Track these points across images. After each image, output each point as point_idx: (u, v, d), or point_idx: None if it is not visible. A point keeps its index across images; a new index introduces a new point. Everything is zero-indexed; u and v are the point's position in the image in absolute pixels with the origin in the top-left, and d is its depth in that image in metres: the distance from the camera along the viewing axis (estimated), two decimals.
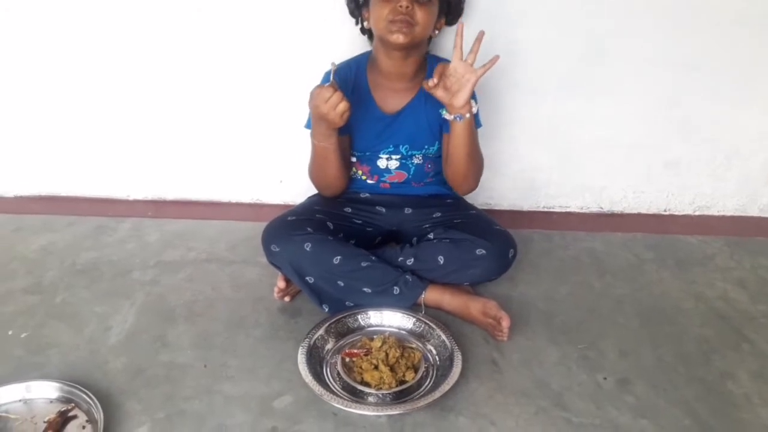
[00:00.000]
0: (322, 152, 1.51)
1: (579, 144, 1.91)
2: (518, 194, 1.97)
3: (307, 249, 1.44)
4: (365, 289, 1.47)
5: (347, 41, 1.68)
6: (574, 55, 1.79)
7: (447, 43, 1.73)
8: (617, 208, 2.01)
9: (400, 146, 1.61)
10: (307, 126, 1.57)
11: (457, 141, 1.49)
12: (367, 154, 1.63)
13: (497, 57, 1.37)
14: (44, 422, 1.17)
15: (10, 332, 1.44)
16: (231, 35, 1.79)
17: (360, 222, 1.63)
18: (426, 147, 1.62)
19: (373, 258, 1.49)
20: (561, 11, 1.73)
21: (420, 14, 1.42)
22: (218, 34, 1.79)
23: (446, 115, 1.46)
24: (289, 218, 1.52)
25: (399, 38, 1.43)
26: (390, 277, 1.48)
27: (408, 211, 1.66)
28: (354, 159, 1.65)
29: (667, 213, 2.01)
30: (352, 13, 1.59)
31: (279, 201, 2.00)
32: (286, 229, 1.49)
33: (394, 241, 1.70)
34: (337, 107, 1.35)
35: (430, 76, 1.55)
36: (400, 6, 1.40)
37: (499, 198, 1.98)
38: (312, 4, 1.73)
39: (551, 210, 2.01)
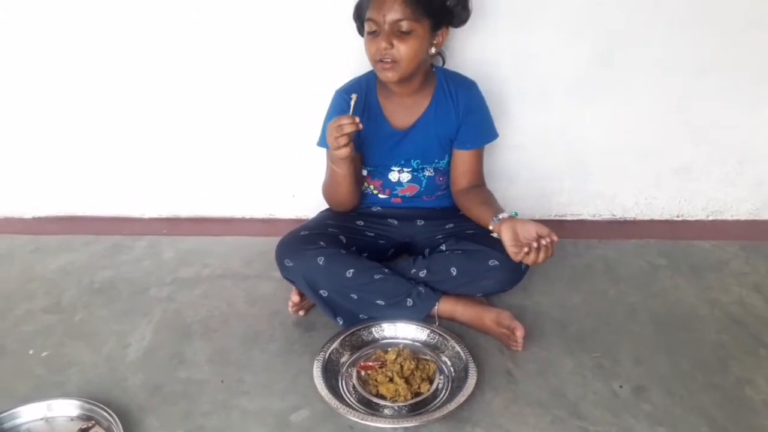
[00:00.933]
0: (334, 175, 1.54)
1: (589, 151, 1.92)
2: (530, 203, 1.97)
3: (320, 263, 1.46)
4: (378, 302, 1.48)
5: (361, 56, 1.69)
6: (582, 60, 1.79)
7: (455, 44, 1.73)
8: (629, 215, 2.01)
9: (411, 160, 1.62)
10: (319, 144, 1.59)
11: (475, 215, 1.54)
12: (379, 168, 1.65)
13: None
14: None
15: (31, 351, 1.46)
16: (244, 54, 1.83)
17: (372, 235, 1.64)
18: (436, 161, 1.63)
19: (386, 270, 1.50)
20: (569, 16, 1.74)
21: (403, 48, 1.42)
22: (231, 53, 1.83)
23: (492, 224, 1.45)
24: (301, 233, 1.54)
25: (388, 76, 1.46)
26: (403, 289, 1.49)
27: (420, 223, 1.67)
28: (365, 173, 1.66)
29: (679, 219, 2.00)
30: (360, 32, 1.58)
31: (292, 216, 2.02)
32: (299, 244, 1.50)
33: (407, 252, 1.71)
34: (335, 140, 1.37)
35: (439, 86, 1.57)
36: (379, 48, 1.42)
37: (510, 207, 1.94)
38: (327, 20, 1.76)
39: (563, 218, 2.01)
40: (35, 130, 1.97)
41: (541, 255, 1.35)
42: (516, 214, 1.46)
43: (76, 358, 1.44)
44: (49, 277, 1.78)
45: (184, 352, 1.46)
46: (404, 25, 1.40)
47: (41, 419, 1.25)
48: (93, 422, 1.23)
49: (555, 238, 1.35)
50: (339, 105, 1.56)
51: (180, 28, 1.81)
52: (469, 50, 1.76)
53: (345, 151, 1.40)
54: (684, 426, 1.22)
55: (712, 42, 1.76)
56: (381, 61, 1.44)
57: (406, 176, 1.65)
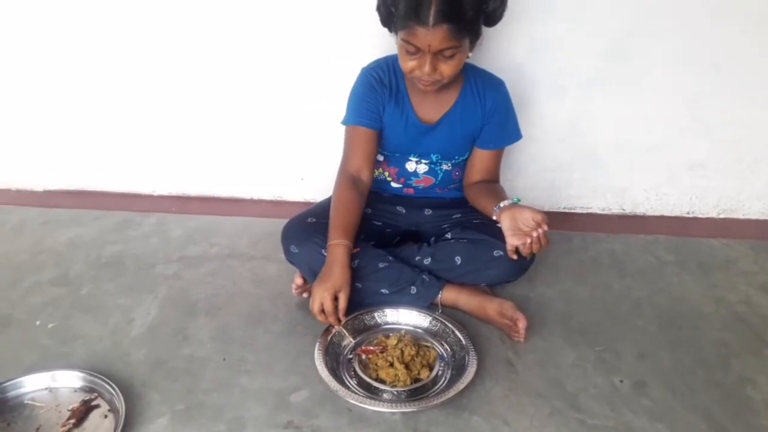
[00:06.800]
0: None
1: (601, 144, 1.90)
2: (539, 194, 1.96)
3: (325, 253, 1.42)
4: (383, 291, 1.48)
5: (372, 39, 1.67)
6: (596, 53, 1.77)
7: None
8: (639, 210, 1.99)
9: (431, 154, 1.60)
10: (344, 122, 1.55)
11: (482, 205, 1.54)
12: (397, 155, 1.61)
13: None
14: (68, 410, 1.21)
15: (37, 322, 1.49)
16: (253, 34, 1.81)
17: (380, 224, 1.64)
18: (456, 157, 1.61)
19: (391, 258, 1.50)
20: (584, 9, 1.71)
21: (447, 69, 1.36)
22: (240, 32, 1.81)
23: (494, 213, 1.46)
24: (308, 220, 1.52)
25: (427, 90, 1.43)
26: (407, 277, 1.49)
27: (428, 212, 1.67)
28: (381, 158, 1.63)
29: (690, 215, 1.98)
30: (385, 24, 1.42)
31: (300, 198, 2.03)
32: (305, 232, 1.49)
33: (413, 240, 1.70)
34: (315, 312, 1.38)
35: (467, 83, 1.53)
36: (423, 71, 1.35)
37: (519, 198, 1.98)
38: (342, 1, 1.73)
39: (572, 211, 2.00)
40: (49, 105, 1.97)
41: (534, 246, 1.37)
42: (518, 200, 1.45)
43: (81, 330, 1.46)
44: (58, 250, 1.80)
45: (187, 328, 1.47)
46: (449, 51, 1.34)
47: (45, 389, 1.27)
48: (96, 394, 1.25)
49: (545, 227, 1.36)
50: (366, 83, 1.52)
51: (192, 6, 1.80)
52: (484, 39, 1.74)
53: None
54: (683, 423, 1.22)
55: (727, 36, 1.73)
56: (419, 78, 1.39)
57: (423, 168, 1.62)
